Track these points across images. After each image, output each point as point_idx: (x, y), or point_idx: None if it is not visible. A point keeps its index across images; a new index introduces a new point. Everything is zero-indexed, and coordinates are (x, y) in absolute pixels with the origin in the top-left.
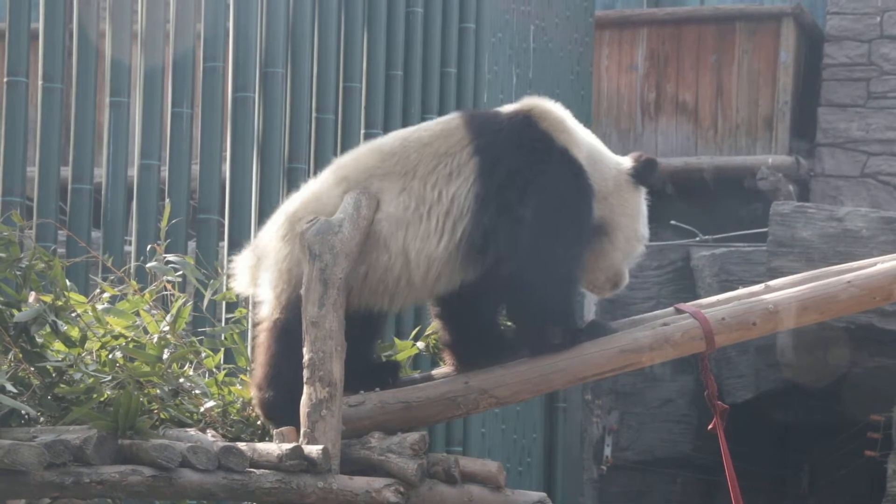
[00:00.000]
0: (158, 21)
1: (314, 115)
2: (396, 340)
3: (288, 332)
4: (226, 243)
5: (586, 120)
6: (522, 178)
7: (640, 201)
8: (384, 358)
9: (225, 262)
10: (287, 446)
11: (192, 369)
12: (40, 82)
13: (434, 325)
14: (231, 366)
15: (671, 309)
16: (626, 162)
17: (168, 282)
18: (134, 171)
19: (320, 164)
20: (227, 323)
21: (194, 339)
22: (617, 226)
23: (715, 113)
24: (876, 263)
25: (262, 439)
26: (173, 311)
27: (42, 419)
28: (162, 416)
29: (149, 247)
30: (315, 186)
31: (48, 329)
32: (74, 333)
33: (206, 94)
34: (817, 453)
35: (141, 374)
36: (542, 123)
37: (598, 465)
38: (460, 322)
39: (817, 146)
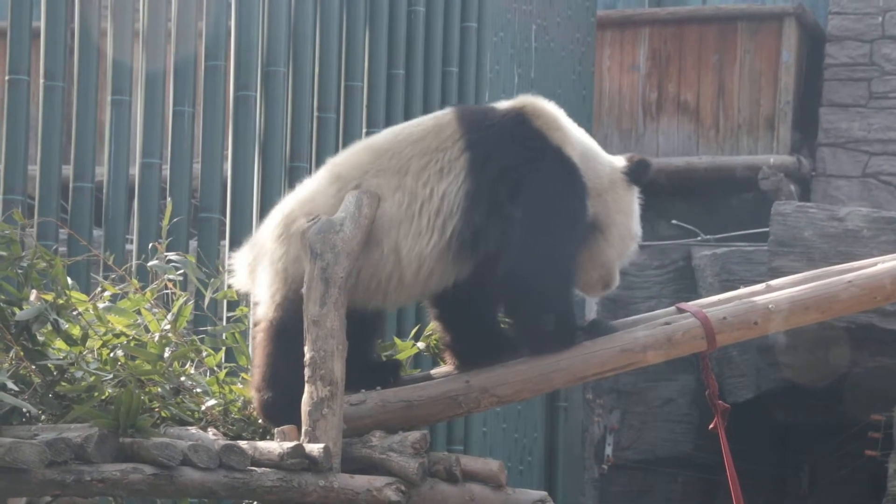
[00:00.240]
0: (160, 20)
1: (316, 113)
2: (397, 340)
3: (284, 331)
4: (227, 242)
5: (588, 120)
6: (514, 175)
7: (634, 200)
8: (385, 357)
9: (226, 261)
10: (288, 445)
11: (193, 368)
12: (42, 80)
13: (433, 326)
14: (232, 364)
15: (672, 308)
16: (620, 161)
17: (169, 280)
18: (135, 170)
19: (322, 163)
20: (228, 321)
21: (195, 337)
22: (612, 223)
23: (716, 113)
24: (877, 263)
25: (263, 438)
26: (174, 309)
27: (43, 417)
28: (163, 414)
29: (150, 245)
30: (310, 186)
31: (49, 327)
32: (76, 332)
33: (207, 92)
34: (818, 453)
35: (142, 373)
36: (535, 122)
37: (599, 464)
38: (459, 322)
39: (819, 146)
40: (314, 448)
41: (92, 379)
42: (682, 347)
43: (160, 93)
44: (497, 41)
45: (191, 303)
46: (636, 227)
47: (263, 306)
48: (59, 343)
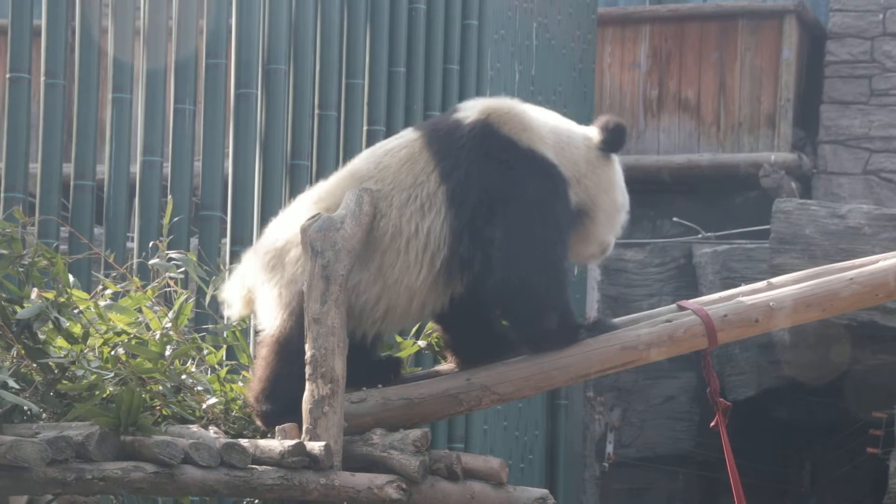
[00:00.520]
0: (161, 17)
1: (316, 111)
2: (397, 338)
3: (286, 349)
4: (228, 240)
5: (588, 117)
6: (492, 194)
7: (614, 171)
8: (385, 355)
9: (227, 259)
10: (289, 443)
11: (194, 366)
12: (43, 78)
13: (433, 325)
14: (233, 362)
15: (674, 306)
16: (594, 133)
17: (170, 278)
18: (136, 168)
19: (322, 161)
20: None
21: (196, 335)
22: (596, 204)
23: (717, 110)
24: (878, 260)
25: (264, 436)
26: (175, 307)
27: (44, 416)
28: (164, 412)
29: (151, 243)
30: (295, 217)
31: (50, 325)
32: (77, 330)
33: (208, 90)
34: (819, 450)
35: (143, 371)
36: (503, 129)
37: (600, 461)
38: (459, 322)
39: (820, 143)
40: (315, 446)
41: (93, 377)
42: (683, 345)
43: (161, 91)
44: (498, 39)
45: (192, 301)
46: (621, 198)
47: (267, 326)
48: (60, 341)
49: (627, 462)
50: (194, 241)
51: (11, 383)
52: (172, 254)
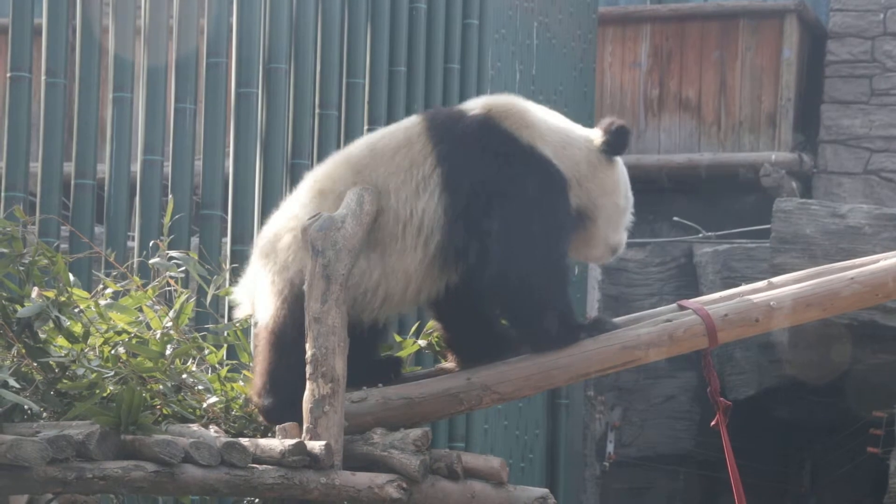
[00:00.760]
0: (161, 16)
1: (317, 111)
2: (397, 337)
3: (281, 338)
4: (229, 239)
5: (589, 117)
6: (488, 187)
7: (617, 173)
8: (386, 354)
9: (228, 258)
10: (290, 442)
11: (194, 365)
12: (43, 78)
13: (433, 324)
14: (234, 362)
15: (674, 305)
16: (596, 136)
17: (171, 277)
18: (137, 167)
19: (323, 160)
20: (229, 319)
21: (197, 334)
22: (598, 208)
23: (718, 109)
24: (879, 260)
25: (264, 435)
26: (176, 306)
27: (45, 415)
28: (164, 411)
29: (151, 242)
30: (292, 205)
31: (51, 325)
32: (77, 329)
33: (209, 89)
34: (819, 450)
35: (144, 370)
36: (503, 123)
37: (601, 461)
38: (459, 321)
39: (820, 143)
40: (316, 445)
41: (93, 376)
42: (683, 345)
43: (162, 90)
44: (499, 38)
45: (192, 300)
46: (624, 201)
47: (261, 317)
48: (60, 340)
49: (628, 461)
50: (195, 241)
51: (12, 382)
52: (173, 253)
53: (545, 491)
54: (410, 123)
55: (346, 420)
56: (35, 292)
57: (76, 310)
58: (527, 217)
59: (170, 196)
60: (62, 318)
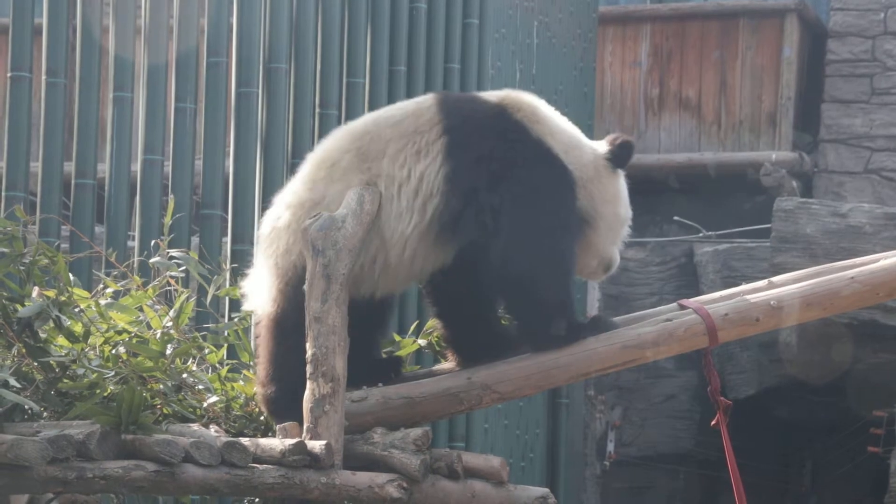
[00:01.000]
0: (161, 16)
1: (317, 110)
2: (397, 336)
3: (281, 324)
4: (229, 238)
5: (589, 116)
6: (492, 165)
7: (619, 184)
8: (386, 354)
9: (228, 258)
10: (290, 442)
11: (195, 364)
12: (44, 77)
13: (434, 323)
14: (234, 361)
15: (674, 304)
16: (602, 147)
17: (171, 277)
18: (137, 167)
19: None
20: (230, 318)
21: (197, 334)
22: (599, 215)
23: (718, 109)
24: (879, 259)
25: (265, 435)
26: (176, 306)
27: (45, 414)
28: (165, 411)
29: (152, 242)
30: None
31: (51, 324)
32: (78, 329)
33: (209, 89)
34: (820, 449)
35: (144, 370)
36: (516, 114)
37: (601, 460)
38: (459, 320)
39: (821, 142)
40: (316, 445)
41: (94, 376)
42: (683, 344)
43: (162, 89)
44: (499, 37)
45: (193, 299)
46: (624, 212)
47: (261, 303)
48: (60, 340)
49: (628, 461)
50: (195, 240)
51: (12, 382)
52: (173, 252)
53: (545, 490)
54: (422, 98)
55: (346, 419)
56: (35, 292)
57: (77, 309)
58: (535, 205)
59: (170, 196)
60: (62, 317)
